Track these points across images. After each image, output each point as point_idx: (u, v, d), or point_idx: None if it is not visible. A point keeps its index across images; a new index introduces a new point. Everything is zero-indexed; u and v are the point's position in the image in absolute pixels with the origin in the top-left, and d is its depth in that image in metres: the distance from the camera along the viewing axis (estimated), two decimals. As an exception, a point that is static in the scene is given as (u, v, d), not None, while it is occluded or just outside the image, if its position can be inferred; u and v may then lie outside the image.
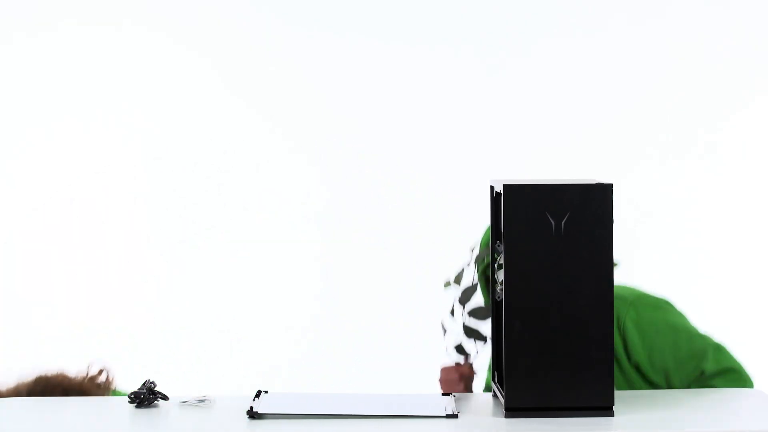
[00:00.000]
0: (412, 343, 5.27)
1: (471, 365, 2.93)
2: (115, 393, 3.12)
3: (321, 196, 5.28)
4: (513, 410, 2.53)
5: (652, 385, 2.92)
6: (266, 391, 2.77)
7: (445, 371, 2.94)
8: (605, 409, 2.52)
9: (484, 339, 2.87)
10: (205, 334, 5.23)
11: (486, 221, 2.87)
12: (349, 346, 5.19)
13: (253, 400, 2.69)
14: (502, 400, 2.56)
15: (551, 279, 2.50)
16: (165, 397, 2.71)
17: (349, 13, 5.25)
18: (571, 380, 2.51)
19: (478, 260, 2.87)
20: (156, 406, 2.70)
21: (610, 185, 2.50)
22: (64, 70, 5.24)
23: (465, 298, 2.87)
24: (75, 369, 3.17)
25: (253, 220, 5.27)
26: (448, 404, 2.66)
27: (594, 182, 2.53)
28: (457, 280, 2.88)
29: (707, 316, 5.29)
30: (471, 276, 2.88)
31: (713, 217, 5.25)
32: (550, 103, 5.24)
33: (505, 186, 2.51)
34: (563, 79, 5.24)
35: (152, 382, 2.71)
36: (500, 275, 2.62)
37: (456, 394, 2.79)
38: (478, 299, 2.89)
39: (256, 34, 5.26)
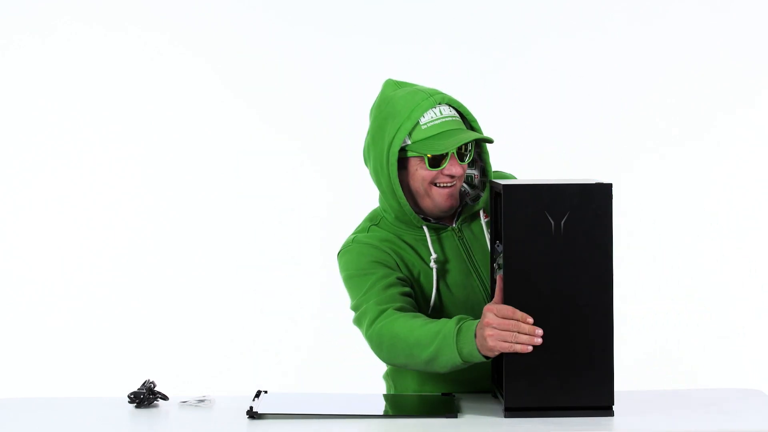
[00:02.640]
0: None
1: None
2: None
3: (322, 196, 5.28)
4: (513, 410, 2.52)
5: None
6: (266, 391, 2.77)
7: None
8: (605, 408, 2.51)
9: None
10: (205, 334, 5.24)
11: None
12: (350, 346, 5.18)
13: (253, 400, 2.69)
14: (502, 400, 2.56)
15: (551, 279, 2.49)
16: (165, 397, 2.71)
17: (349, 13, 5.25)
18: (571, 380, 2.50)
19: None
20: (156, 406, 2.70)
21: (610, 185, 2.50)
22: (63, 70, 5.24)
23: None
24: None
25: (254, 220, 5.27)
26: (447, 404, 2.66)
27: (593, 182, 2.53)
28: None
29: (708, 315, 5.31)
30: None
31: (712, 215, 5.25)
32: (549, 102, 5.24)
33: (504, 186, 2.50)
34: (563, 78, 5.25)
35: (152, 382, 2.72)
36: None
37: (456, 394, 2.79)
38: None
39: (257, 35, 5.26)
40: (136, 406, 2.69)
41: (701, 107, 5.20)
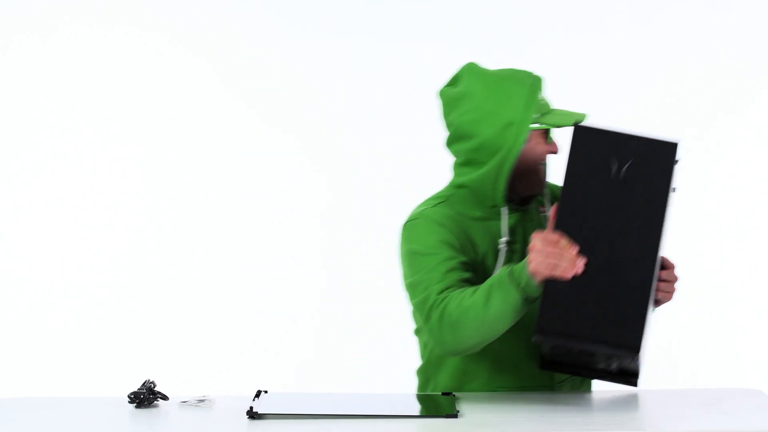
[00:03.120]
0: (412, 343, 5.27)
1: None
2: None
3: (322, 196, 5.28)
4: (544, 332, 2.54)
5: None
6: (266, 391, 2.77)
7: None
8: (632, 349, 2.53)
9: None
10: (205, 334, 5.23)
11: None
12: (350, 346, 5.19)
13: (253, 400, 2.69)
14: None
15: (603, 219, 2.56)
16: (165, 397, 2.71)
17: (349, 13, 5.25)
18: (605, 315, 2.54)
19: None
20: (156, 406, 2.70)
21: (675, 144, 2.59)
22: (63, 70, 5.24)
23: None
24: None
25: (254, 220, 5.27)
26: (448, 404, 2.66)
27: (660, 138, 2.60)
28: None
29: (710, 317, 5.31)
30: None
31: (712, 215, 5.25)
32: (550, 102, 5.24)
33: (576, 126, 2.62)
34: (563, 78, 5.24)
35: (152, 382, 2.72)
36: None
37: (456, 394, 2.79)
38: None
39: (257, 35, 5.26)
40: (136, 406, 2.69)
41: (701, 107, 5.20)
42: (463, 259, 2.77)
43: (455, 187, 2.88)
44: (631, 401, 2.69)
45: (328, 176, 5.26)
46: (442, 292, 2.70)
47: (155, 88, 5.24)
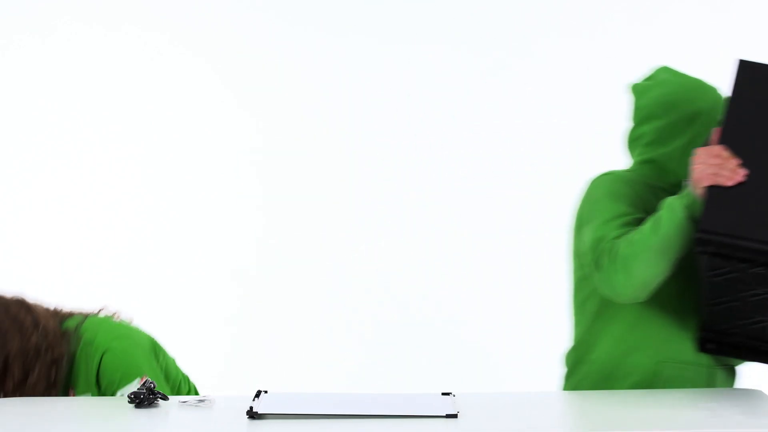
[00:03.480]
0: (412, 342, 5.27)
1: None
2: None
3: (322, 196, 5.28)
4: (707, 232, 2.63)
5: None
6: (266, 391, 2.77)
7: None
8: None
9: None
10: (206, 334, 5.23)
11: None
12: (349, 346, 5.19)
13: (253, 400, 2.69)
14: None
15: (762, 142, 2.71)
16: (165, 397, 2.71)
17: (349, 13, 5.25)
18: (766, 219, 2.64)
19: None
20: (156, 406, 2.70)
21: None
22: (63, 70, 5.24)
23: None
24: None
25: (254, 220, 5.27)
26: (448, 404, 2.67)
27: None
28: None
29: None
30: None
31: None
32: (550, 102, 5.24)
33: (741, 61, 2.86)
34: (563, 78, 5.25)
35: (152, 382, 2.72)
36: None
37: (456, 394, 2.79)
38: None
39: (257, 35, 5.26)
40: (136, 406, 2.69)
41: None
42: (642, 216, 2.88)
43: (639, 164, 3.01)
44: (631, 401, 2.69)
45: (328, 176, 5.26)
46: (617, 239, 2.82)
47: (155, 88, 5.24)
